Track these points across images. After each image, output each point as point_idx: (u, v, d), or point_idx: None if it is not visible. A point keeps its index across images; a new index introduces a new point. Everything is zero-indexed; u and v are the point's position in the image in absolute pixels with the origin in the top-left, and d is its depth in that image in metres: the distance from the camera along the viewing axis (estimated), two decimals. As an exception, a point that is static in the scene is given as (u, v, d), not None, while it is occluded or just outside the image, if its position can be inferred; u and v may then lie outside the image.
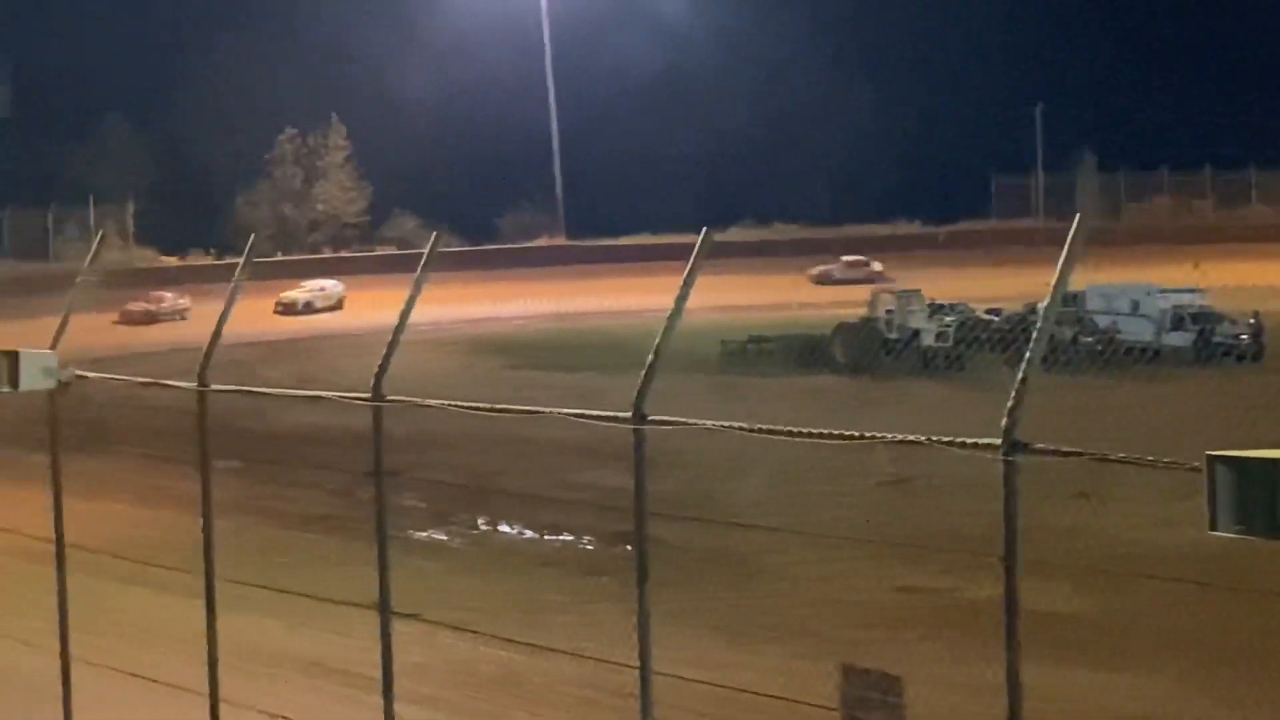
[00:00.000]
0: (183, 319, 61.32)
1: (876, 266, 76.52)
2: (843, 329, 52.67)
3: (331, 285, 73.45)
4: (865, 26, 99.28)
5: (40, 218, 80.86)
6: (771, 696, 11.39)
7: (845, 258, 79.54)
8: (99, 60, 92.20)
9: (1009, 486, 8.16)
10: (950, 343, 49.27)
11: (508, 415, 11.97)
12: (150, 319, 61.28)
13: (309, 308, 70.36)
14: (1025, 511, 7.99)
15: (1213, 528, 6.72)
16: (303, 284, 72.29)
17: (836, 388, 43.00)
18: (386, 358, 11.73)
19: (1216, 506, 6.68)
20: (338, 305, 71.32)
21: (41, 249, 78.37)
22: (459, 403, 12.05)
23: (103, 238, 20.82)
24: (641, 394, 10.08)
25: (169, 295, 66.62)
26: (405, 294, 11.73)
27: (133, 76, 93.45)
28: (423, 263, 12.01)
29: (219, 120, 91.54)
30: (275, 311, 66.67)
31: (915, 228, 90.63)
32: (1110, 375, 41.54)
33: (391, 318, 11.76)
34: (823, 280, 75.84)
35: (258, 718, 13.41)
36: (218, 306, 13.08)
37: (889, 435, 8.96)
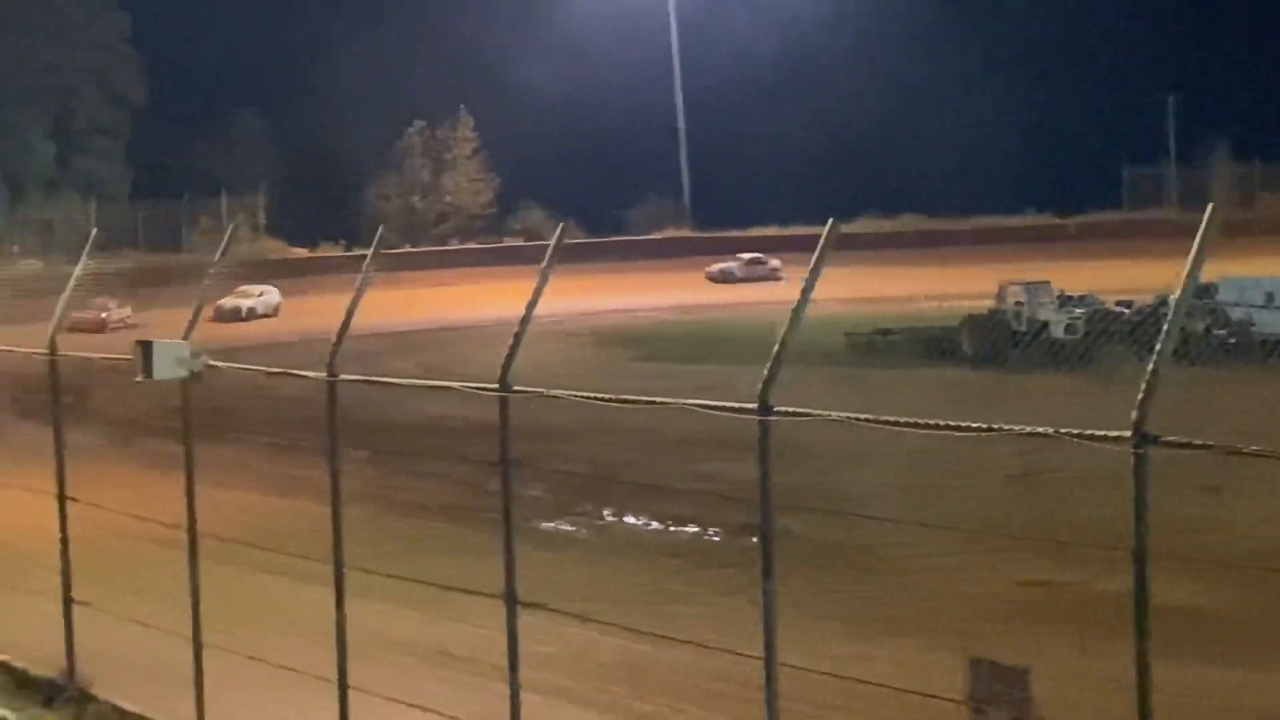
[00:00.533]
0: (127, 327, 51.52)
1: (775, 264, 74.34)
2: (970, 321, 52.28)
3: (270, 291, 70.68)
4: (996, 14, 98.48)
5: (174, 210, 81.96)
6: (896, 689, 11.31)
7: (743, 255, 77.97)
8: (234, 54, 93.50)
9: (1138, 479, 8.07)
10: (1080, 335, 48.72)
11: (633, 406, 12.00)
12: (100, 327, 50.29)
13: (251, 314, 67.23)
14: (1153, 505, 7.90)
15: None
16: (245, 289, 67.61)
17: (963, 380, 42.69)
18: (513, 348, 11.79)
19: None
20: (274, 313, 68.83)
21: (175, 241, 79.48)
22: (583, 393, 12.09)
23: (233, 230, 21.06)
24: (766, 385, 10.07)
25: (112, 304, 56.61)
26: (531, 285, 11.80)
27: (266, 70, 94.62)
28: (549, 254, 12.06)
29: (349, 113, 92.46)
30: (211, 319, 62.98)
31: (1045, 219, 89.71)
32: (1243, 368, 40.89)
33: (518, 309, 11.83)
34: (724, 278, 74.23)
35: (385, 705, 13.52)
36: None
37: (1016, 427, 8.89)
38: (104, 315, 51.34)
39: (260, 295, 69.80)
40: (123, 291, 53.18)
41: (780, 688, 10.57)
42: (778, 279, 68.13)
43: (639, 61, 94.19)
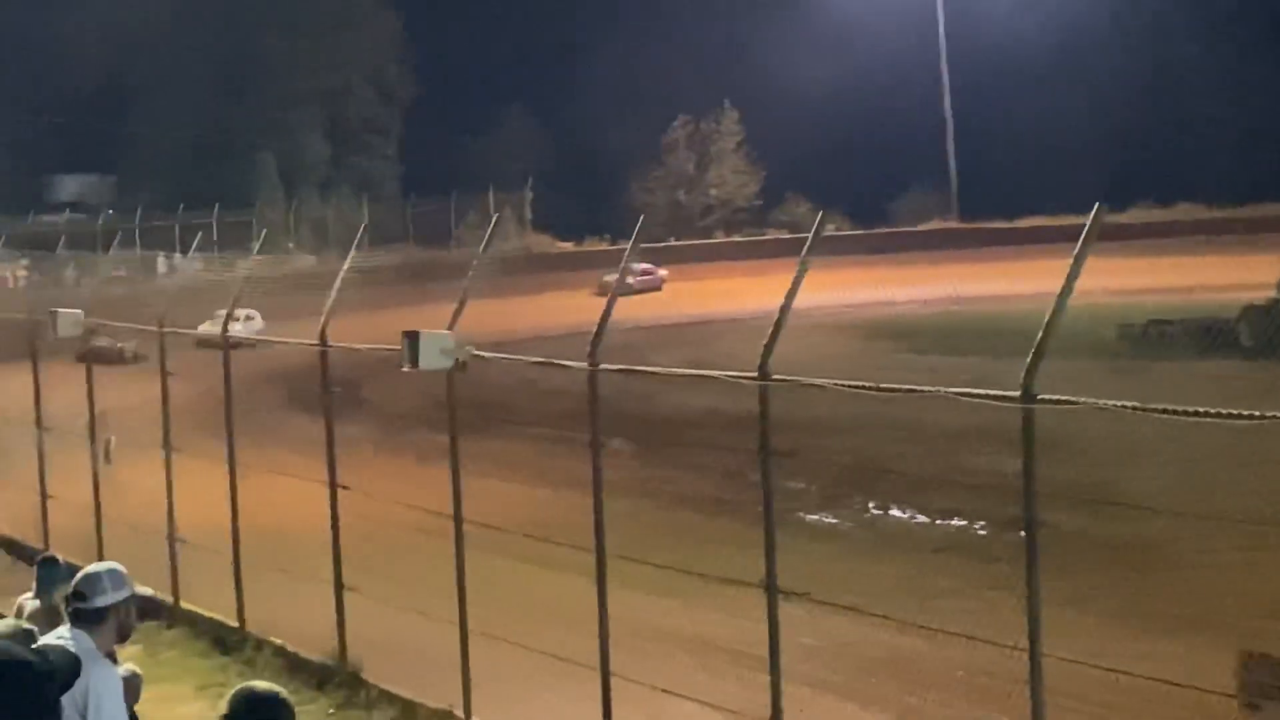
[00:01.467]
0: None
1: (663, 273, 71.30)
2: (1250, 311, 50.72)
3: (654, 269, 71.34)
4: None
5: (443, 205, 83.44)
6: (1166, 683, 10.96)
7: (636, 266, 74.88)
8: (501, 51, 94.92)
9: None
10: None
11: (899, 399, 11.83)
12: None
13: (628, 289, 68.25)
14: None
15: None
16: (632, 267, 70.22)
17: (1241, 373, 41.42)
18: (772, 337, 11.70)
19: None
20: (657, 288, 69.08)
21: (445, 236, 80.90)
22: (843, 381, 11.95)
23: (496, 224, 21.28)
24: (1030, 372, 9.84)
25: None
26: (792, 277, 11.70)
27: (533, 66, 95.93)
28: (808, 244, 11.95)
29: (615, 108, 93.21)
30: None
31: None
32: None
33: (781, 302, 11.74)
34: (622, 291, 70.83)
35: (647, 693, 13.53)
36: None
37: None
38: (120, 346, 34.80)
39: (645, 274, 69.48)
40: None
41: (1050, 683, 10.32)
42: (659, 289, 66.67)
43: (904, 49, 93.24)
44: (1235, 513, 20.97)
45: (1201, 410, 9.06)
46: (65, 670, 4.74)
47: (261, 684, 6.06)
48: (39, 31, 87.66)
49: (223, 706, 5.72)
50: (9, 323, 26.43)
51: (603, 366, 13.56)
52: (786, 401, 12.22)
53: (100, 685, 7.82)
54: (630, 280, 78.55)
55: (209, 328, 25.58)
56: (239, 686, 5.89)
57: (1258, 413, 8.68)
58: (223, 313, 20.93)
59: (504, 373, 18.14)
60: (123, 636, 8.32)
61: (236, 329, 20.68)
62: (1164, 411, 9.48)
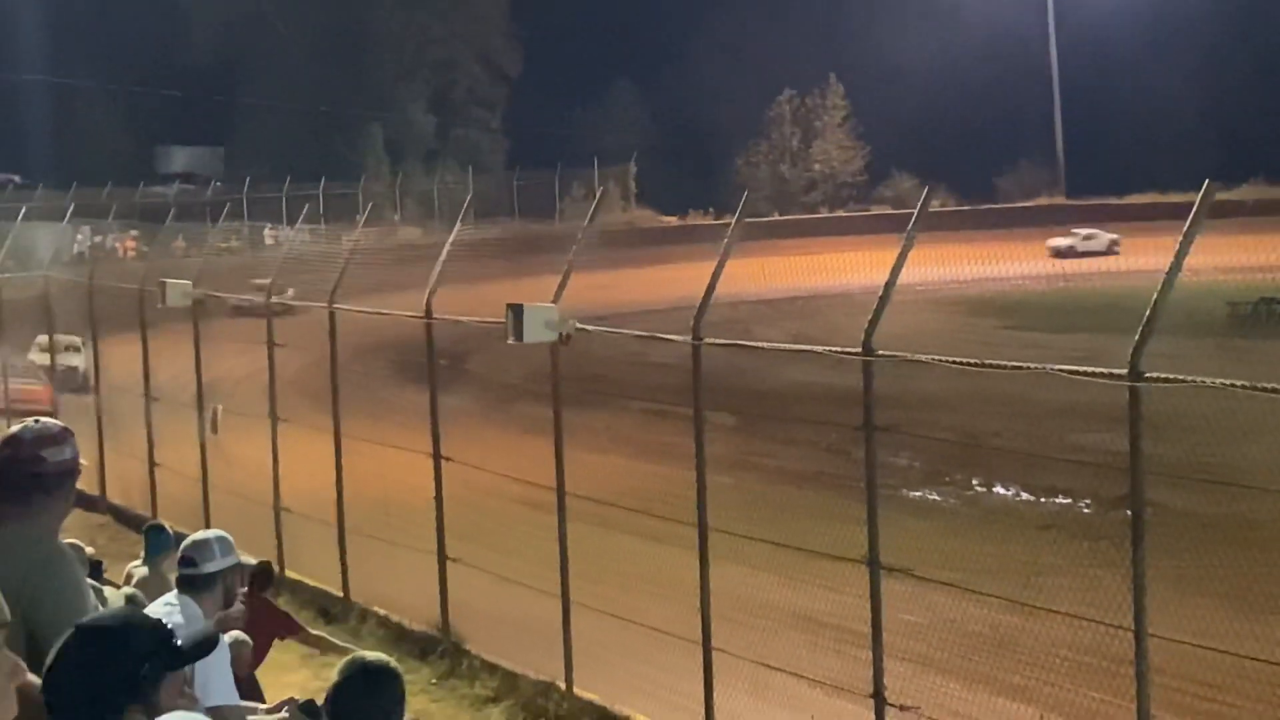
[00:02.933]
0: None
1: (1112, 238, 69.81)
2: (1361, 290, 49.95)
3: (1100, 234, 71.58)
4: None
5: (548, 179, 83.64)
6: (1272, 663, 10.85)
7: (1079, 230, 73.66)
8: (607, 25, 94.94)
9: None
10: None
11: (1003, 375, 11.77)
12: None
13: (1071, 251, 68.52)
14: None
15: None
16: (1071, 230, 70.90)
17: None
18: (877, 312, 11.66)
19: None
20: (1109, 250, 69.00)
21: (549, 209, 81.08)
22: (947, 358, 11.89)
23: (601, 197, 21.32)
24: (1138, 350, 9.74)
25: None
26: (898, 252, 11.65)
27: (639, 41, 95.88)
28: (914, 219, 11.90)
29: (720, 82, 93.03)
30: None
31: None
32: None
33: (883, 277, 11.70)
34: (1065, 254, 70.00)
35: (749, 667, 13.53)
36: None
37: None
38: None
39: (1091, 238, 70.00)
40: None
41: (1156, 663, 10.24)
42: (1114, 253, 65.99)
43: (1012, 23, 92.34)
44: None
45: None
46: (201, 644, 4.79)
47: (373, 655, 6.13)
48: (151, 4, 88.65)
49: (335, 676, 5.78)
50: (121, 293, 26.75)
51: (706, 340, 13.56)
52: (890, 377, 12.18)
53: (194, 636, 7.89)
54: (1075, 245, 77.63)
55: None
56: (351, 656, 5.95)
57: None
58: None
59: (608, 346, 18.20)
60: (228, 603, 8.41)
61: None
62: (1271, 390, 9.37)
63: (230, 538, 8.45)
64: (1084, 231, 70.42)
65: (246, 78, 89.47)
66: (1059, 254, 66.79)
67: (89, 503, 25.19)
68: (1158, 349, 9.93)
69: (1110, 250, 66.49)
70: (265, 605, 12.43)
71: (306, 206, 39.75)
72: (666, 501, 15.22)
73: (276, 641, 12.29)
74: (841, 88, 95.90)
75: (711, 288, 13.51)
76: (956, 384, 21.03)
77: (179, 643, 4.50)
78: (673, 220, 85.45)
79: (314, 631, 13.54)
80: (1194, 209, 9.77)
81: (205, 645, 4.67)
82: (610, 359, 27.40)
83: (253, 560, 9.82)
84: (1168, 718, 11.60)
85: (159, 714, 4.22)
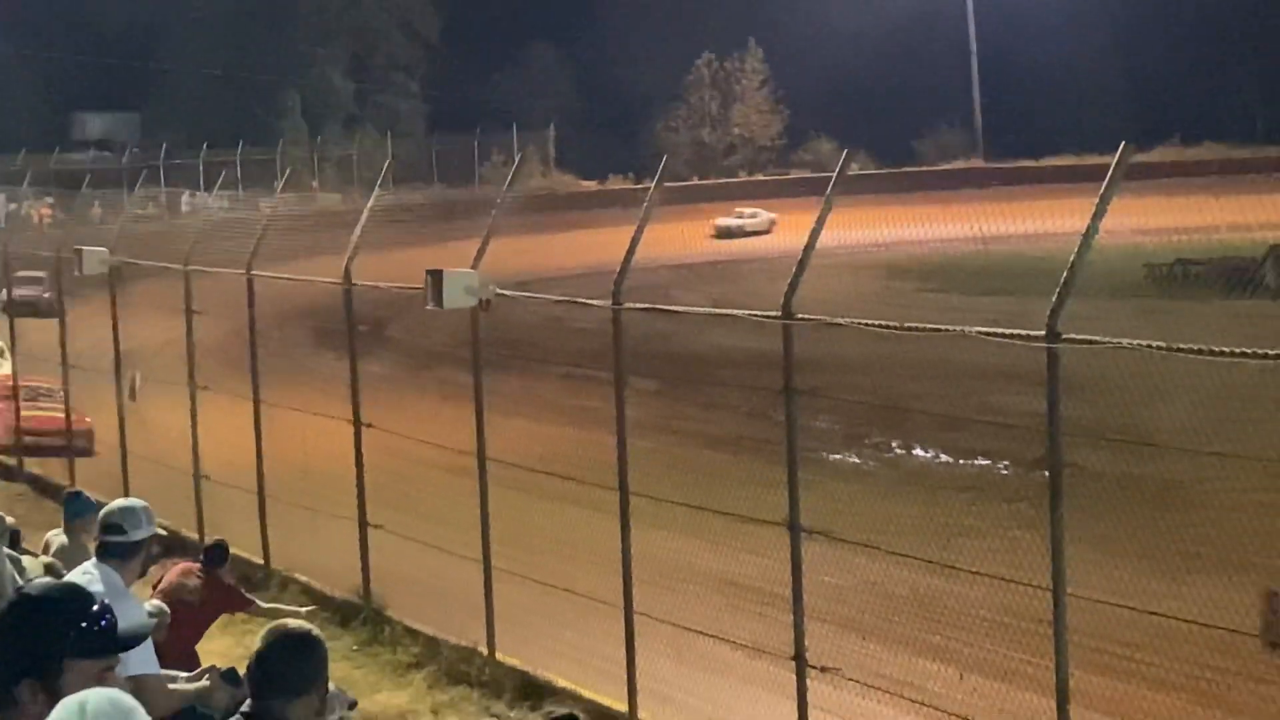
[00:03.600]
0: None
1: (770, 216, 68.37)
2: (1276, 251, 50.42)
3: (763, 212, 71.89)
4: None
5: (467, 144, 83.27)
6: (1190, 622, 10.97)
7: (743, 210, 73.13)
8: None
9: None
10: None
11: (924, 338, 11.81)
12: None
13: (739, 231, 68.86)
14: None
15: None
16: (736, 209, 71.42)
17: (1267, 313, 41.23)
18: (796, 276, 11.68)
19: None
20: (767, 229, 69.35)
21: (469, 175, 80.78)
22: (866, 320, 11.93)
23: (520, 162, 21.27)
24: (1055, 312, 9.80)
25: None
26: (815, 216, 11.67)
27: (557, 4, 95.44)
28: (832, 183, 11.92)
29: (639, 47, 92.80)
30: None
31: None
32: None
33: (802, 241, 11.72)
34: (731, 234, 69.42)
35: (671, 631, 13.57)
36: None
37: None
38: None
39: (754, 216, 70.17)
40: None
41: (1074, 623, 10.33)
42: (770, 232, 65.64)
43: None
44: (1261, 453, 20.95)
45: (1226, 350, 9.02)
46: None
47: (294, 622, 6.12)
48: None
49: (256, 644, 5.75)
50: (37, 260, 26.48)
51: (626, 305, 13.54)
52: (811, 341, 12.21)
53: (128, 621, 7.84)
54: (740, 222, 77.19)
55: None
56: (272, 625, 5.93)
57: (1275, 351, 8.64)
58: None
59: (530, 312, 18.15)
60: (143, 572, 8.37)
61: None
62: (1189, 351, 9.45)
63: (149, 507, 8.40)
64: (748, 210, 70.85)
65: (164, 43, 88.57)
66: (726, 234, 66.50)
67: (7, 473, 24.99)
68: (1078, 311, 9.98)
69: (770, 229, 65.66)
70: (219, 582, 12.46)
71: (224, 172, 39.39)
72: (589, 467, 15.22)
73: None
74: (760, 51, 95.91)
75: (631, 252, 13.49)
76: (877, 347, 21.06)
77: (113, 631, 4.47)
78: (592, 185, 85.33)
79: (266, 605, 13.51)
80: (1110, 171, 9.83)
81: (138, 639, 4.65)
82: (531, 324, 27.35)
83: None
84: (1087, 676, 11.70)
85: (63, 694, 4.19)
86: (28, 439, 25.50)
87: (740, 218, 70.88)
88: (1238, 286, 47.02)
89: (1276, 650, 12.33)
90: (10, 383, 26.35)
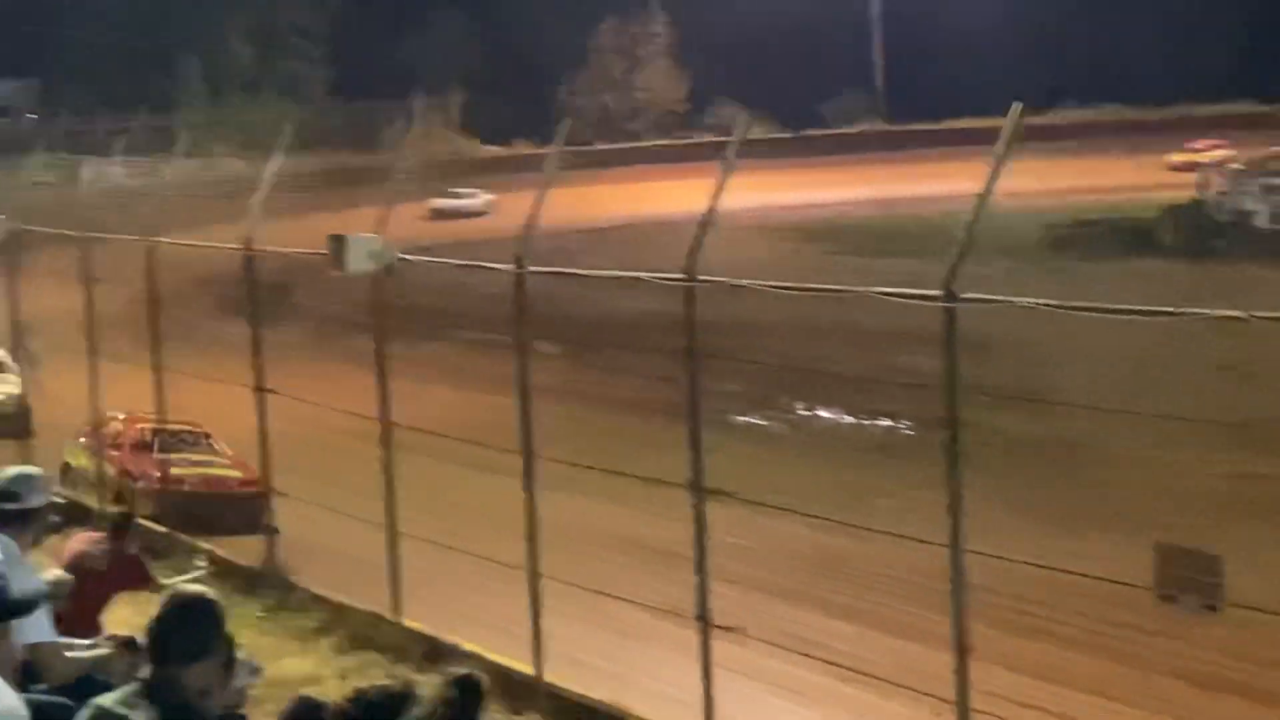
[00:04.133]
0: None
1: (488, 198, 68.37)
2: (1170, 212, 51.09)
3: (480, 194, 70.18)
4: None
5: (371, 109, 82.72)
6: (1086, 576, 11.14)
7: (461, 190, 71.54)
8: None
9: None
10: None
11: (829, 300, 11.90)
12: None
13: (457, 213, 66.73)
14: None
15: None
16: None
17: (1163, 273, 41.80)
18: (697, 238, 11.71)
19: None
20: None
21: (372, 139, 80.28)
22: (768, 282, 12.00)
23: (424, 127, 21.09)
24: (952, 272, 9.90)
25: None
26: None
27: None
28: (732, 147, 11.96)
29: (544, 10, 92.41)
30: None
31: (1261, 107, 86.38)
32: None
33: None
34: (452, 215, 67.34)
35: (577, 593, 13.62)
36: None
37: (1206, 311, 8.65)
38: None
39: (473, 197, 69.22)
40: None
41: (974, 580, 10.46)
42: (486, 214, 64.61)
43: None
44: (1158, 411, 21.26)
45: (1121, 308, 9.16)
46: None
47: (192, 587, 6.11)
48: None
49: (154, 610, 5.74)
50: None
51: (529, 269, 13.54)
52: (716, 303, 12.25)
53: (23, 588, 7.80)
54: (457, 203, 75.33)
55: None
56: (169, 591, 5.92)
57: (1174, 309, 8.78)
58: None
59: (435, 277, 18.10)
60: (38, 540, 8.33)
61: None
62: (1082, 309, 9.58)
63: (46, 474, 8.35)
64: (465, 191, 70.60)
65: (61, 8, 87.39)
66: (441, 214, 65.40)
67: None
68: (979, 272, 10.08)
69: (484, 211, 65.30)
70: (123, 555, 12.39)
71: (126, 139, 38.88)
72: (494, 430, 15.20)
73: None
74: (664, 15, 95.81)
75: (534, 216, 13.48)
76: (782, 310, 21.21)
77: (4, 596, 4.47)
78: (496, 149, 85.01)
79: (166, 582, 13.42)
80: (1003, 133, 9.93)
81: (31, 605, 4.64)
82: (437, 289, 27.26)
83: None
84: (988, 631, 11.85)
85: None
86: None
87: (458, 198, 70.09)
88: (1135, 247, 47.65)
89: (1169, 603, 12.53)
90: (137, 426, 21.20)
